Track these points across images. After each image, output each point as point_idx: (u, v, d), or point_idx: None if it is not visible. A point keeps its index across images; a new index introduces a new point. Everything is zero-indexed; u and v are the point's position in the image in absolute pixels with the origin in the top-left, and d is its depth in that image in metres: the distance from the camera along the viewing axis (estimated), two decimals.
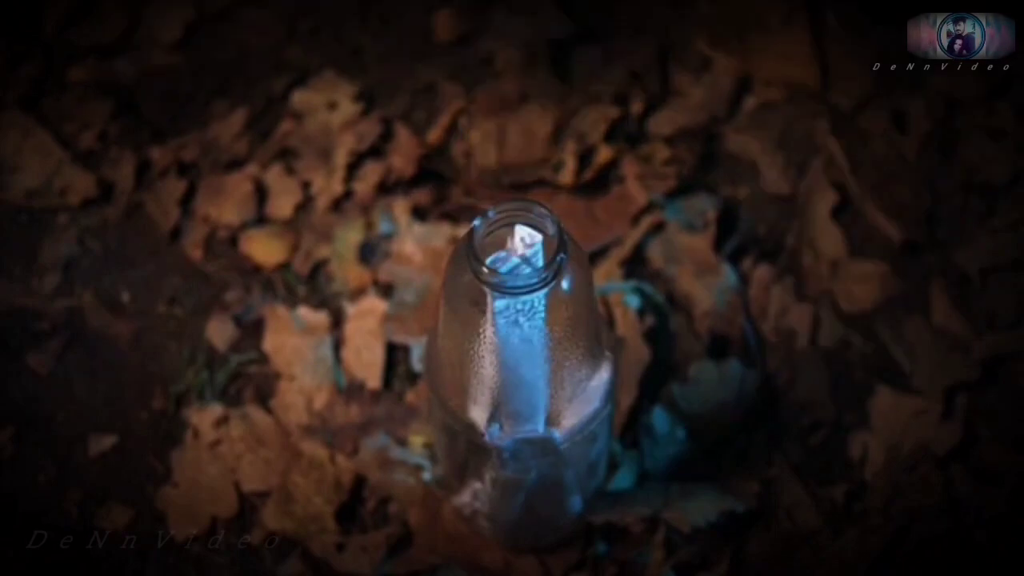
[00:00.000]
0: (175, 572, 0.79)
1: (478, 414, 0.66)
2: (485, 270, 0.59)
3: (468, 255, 0.59)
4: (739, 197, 0.91)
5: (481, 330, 0.61)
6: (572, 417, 0.66)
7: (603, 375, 0.67)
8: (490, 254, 0.60)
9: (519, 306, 0.60)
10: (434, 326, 0.67)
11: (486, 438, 0.66)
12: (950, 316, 0.86)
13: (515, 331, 0.61)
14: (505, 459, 0.68)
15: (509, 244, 0.61)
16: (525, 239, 0.60)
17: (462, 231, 0.88)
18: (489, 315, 0.60)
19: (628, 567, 0.79)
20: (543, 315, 0.61)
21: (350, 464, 0.81)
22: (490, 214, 0.60)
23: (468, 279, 0.60)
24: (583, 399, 0.66)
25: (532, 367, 0.63)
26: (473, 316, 0.61)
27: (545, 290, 0.59)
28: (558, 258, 0.59)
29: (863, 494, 0.81)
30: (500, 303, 0.60)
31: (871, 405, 0.83)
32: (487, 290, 0.59)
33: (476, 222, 0.60)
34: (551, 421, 0.66)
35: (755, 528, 0.80)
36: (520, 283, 0.59)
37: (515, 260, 0.60)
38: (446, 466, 0.77)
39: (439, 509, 0.80)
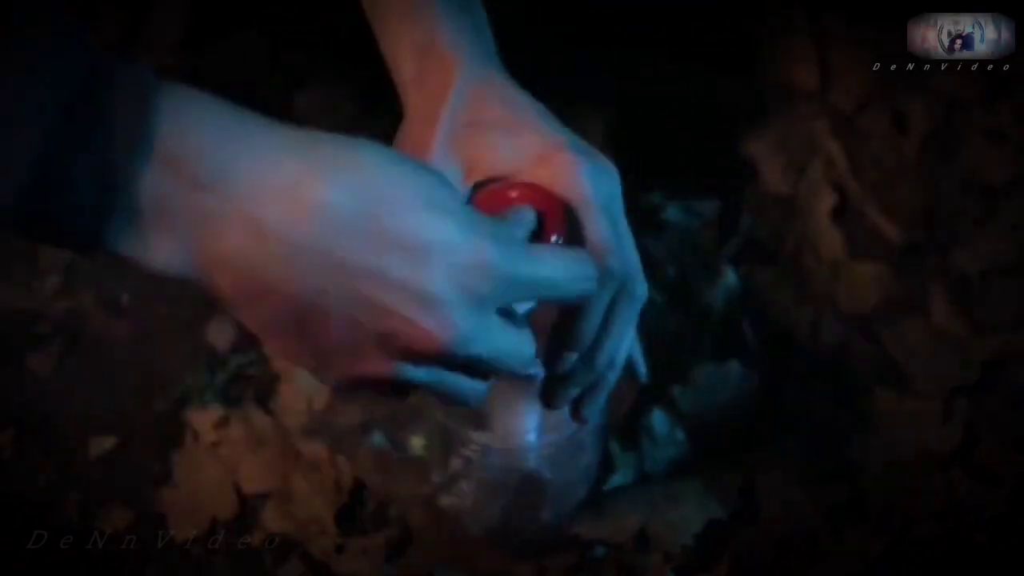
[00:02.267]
0: (175, 573, 0.79)
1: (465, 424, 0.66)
2: None
3: None
4: (739, 198, 0.91)
5: None
6: (553, 431, 0.66)
7: None
8: None
9: None
10: None
11: (473, 447, 0.66)
12: (950, 317, 0.86)
13: None
14: (489, 463, 0.68)
15: None
16: None
17: None
18: None
19: (628, 570, 0.79)
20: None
21: (350, 466, 0.81)
22: None
23: None
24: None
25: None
26: None
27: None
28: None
29: (863, 494, 0.81)
30: None
31: (871, 406, 0.83)
32: None
33: None
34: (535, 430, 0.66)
35: (755, 529, 0.80)
36: None
37: None
38: (437, 462, 0.77)
39: (440, 512, 0.80)
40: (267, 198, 0.47)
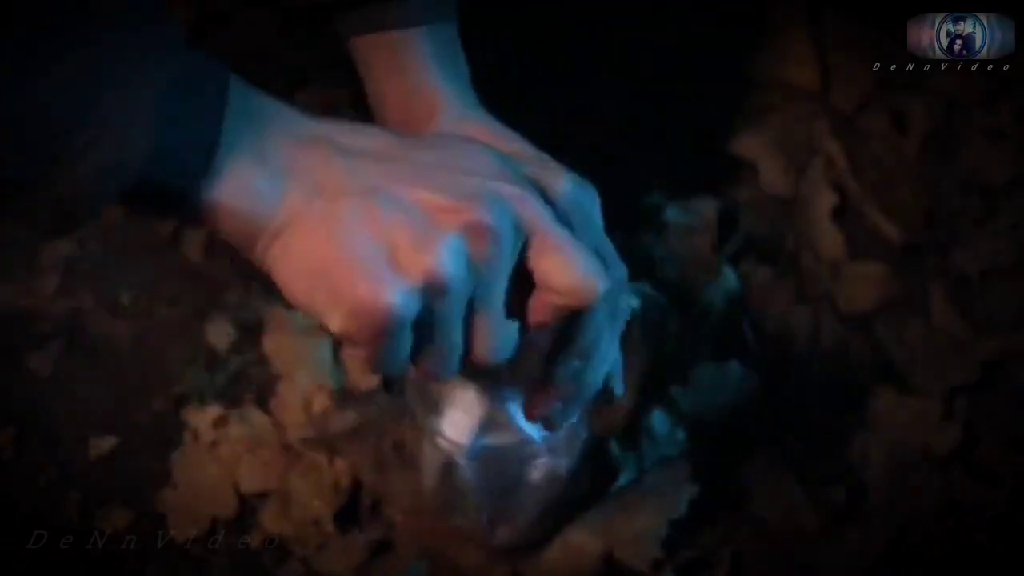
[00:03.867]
0: (175, 573, 0.79)
1: None
2: None
3: None
4: (739, 198, 0.91)
5: None
6: (492, 436, 0.68)
7: None
8: None
9: None
10: None
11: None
12: (950, 317, 0.86)
13: None
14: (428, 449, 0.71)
15: None
16: None
17: None
18: None
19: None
20: None
21: (348, 466, 0.81)
22: None
23: None
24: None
25: None
26: None
27: None
28: None
29: (863, 494, 0.81)
30: None
31: (871, 406, 0.83)
32: None
33: None
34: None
35: (755, 529, 0.80)
36: None
37: None
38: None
39: (427, 507, 0.79)
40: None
